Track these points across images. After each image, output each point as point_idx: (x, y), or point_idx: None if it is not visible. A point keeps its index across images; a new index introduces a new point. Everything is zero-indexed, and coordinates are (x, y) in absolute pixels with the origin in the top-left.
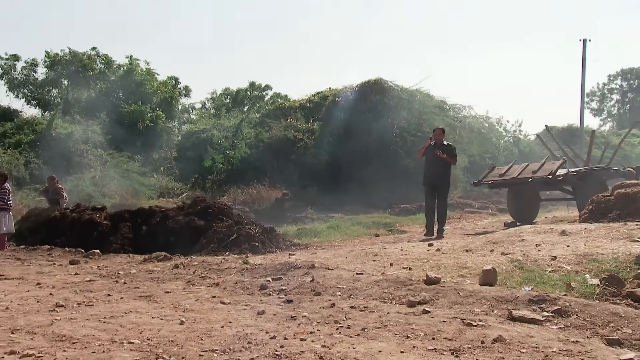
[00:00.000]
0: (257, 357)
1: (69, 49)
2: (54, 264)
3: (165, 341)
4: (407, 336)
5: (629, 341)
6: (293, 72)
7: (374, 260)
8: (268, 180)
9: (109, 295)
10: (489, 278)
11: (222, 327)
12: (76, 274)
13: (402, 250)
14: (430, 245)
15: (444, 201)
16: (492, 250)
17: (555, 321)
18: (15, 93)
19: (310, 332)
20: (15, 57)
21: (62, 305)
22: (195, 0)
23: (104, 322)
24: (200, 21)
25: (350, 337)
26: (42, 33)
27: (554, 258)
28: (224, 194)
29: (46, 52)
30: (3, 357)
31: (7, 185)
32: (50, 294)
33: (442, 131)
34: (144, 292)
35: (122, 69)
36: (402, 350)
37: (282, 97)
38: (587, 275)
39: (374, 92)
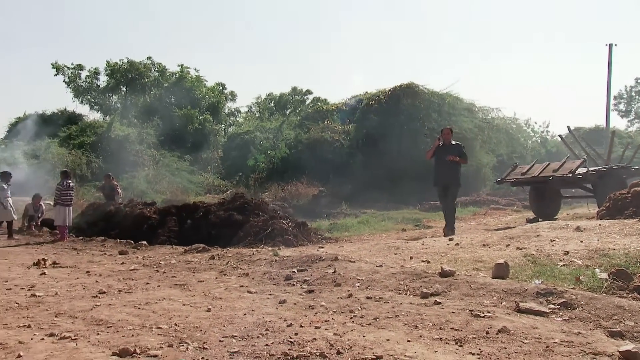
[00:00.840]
0: (272, 343)
1: (127, 58)
2: (105, 254)
3: (190, 327)
4: (416, 326)
5: (631, 333)
6: (333, 77)
7: (395, 254)
8: (306, 178)
9: (147, 283)
10: (501, 271)
11: (245, 314)
12: (122, 263)
13: (423, 244)
14: (450, 240)
15: (453, 200)
16: (508, 245)
17: (561, 313)
18: (80, 99)
19: (325, 321)
20: (80, 67)
21: (105, 292)
22: (243, 12)
23: (139, 308)
24: (246, 30)
25: (362, 326)
26: (104, 44)
27: (567, 253)
28: (265, 191)
29: (107, 61)
30: (43, 339)
31: (69, 181)
32: (96, 281)
33: (450, 131)
34: (179, 281)
35: (174, 76)
36: (409, 339)
37: (322, 101)
38: (597, 269)
39: (405, 95)
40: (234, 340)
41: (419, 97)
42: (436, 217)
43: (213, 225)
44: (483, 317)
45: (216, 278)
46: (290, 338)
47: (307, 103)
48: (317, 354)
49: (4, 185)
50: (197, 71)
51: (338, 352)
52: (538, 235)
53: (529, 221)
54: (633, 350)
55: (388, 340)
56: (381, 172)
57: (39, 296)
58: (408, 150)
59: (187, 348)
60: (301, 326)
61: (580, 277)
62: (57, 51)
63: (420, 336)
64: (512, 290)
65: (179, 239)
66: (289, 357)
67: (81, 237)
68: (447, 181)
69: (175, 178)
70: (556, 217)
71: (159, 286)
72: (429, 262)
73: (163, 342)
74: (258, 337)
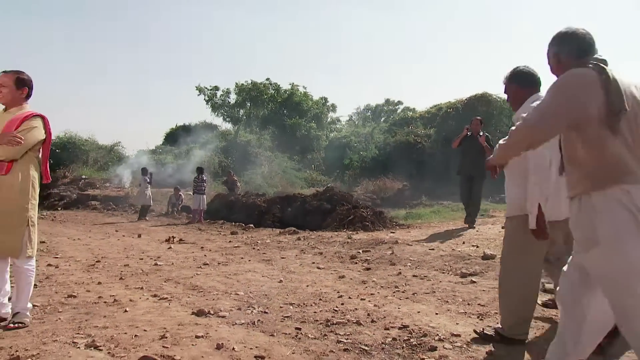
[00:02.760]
0: (320, 311)
1: (251, 80)
2: (220, 234)
3: (261, 294)
4: (447, 301)
5: None
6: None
7: (450, 239)
8: (392, 174)
9: (242, 258)
10: None
11: (307, 286)
12: (230, 241)
13: (477, 231)
14: (503, 227)
15: (479, 191)
16: None
17: None
18: (216, 113)
19: (371, 294)
20: (216, 88)
21: (207, 264)
22: (341, 37)
23: (228, 278)
24: (345, 51)
25: (400, 299)
26: (233, 69)
27: None
28: (357, 185)
29: (236, 83)
30: (148, 298)
31: (203, 175)
32: (205, 255)
33: (480, 122)
34: (267, 257)
35: (286, 93)
36: (436, 312)
37: (411, 110)
38: None
39: (480, 103)
40: (291, 307)
41: (491, 104)
42: (502, 208)
43: (307, 212)
44: None
45: (296, 255)
46: (337, 307)
47: (398, 112)
48: (354, 321)
49: (146, 178)
50: (305, 88)
51: (372, 321)
52: None
53: None
54: None
55: (419, 312)
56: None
57: (159, 265)
58: (482, 150)
59: (251, 312)
60: (349, 297)
61: None
62: (199, 76)
63: (448, 310)
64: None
65: (280, 223)
66: (330, 323)
67: (207, 220)
68: (472, 171)
69: (285, 175)
70: None
71: (249, 260)
72: (477, 246)
73: (234, 306)
74: (311, 305)
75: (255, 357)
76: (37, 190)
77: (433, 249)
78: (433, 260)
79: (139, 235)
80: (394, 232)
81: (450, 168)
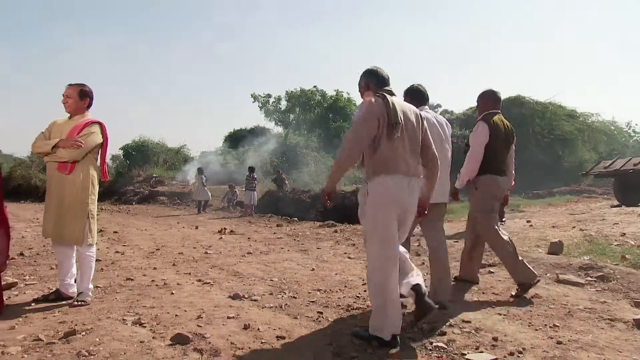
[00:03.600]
0: (344, 297)
1: (300, 88)
2: (267, 226)
3: (293, 281)
4: (463, 290)
5: None
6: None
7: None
8: None
9: (282, 248)
10: (555, 248)
11: (336, 274)
12: (274, 233)
13: (503, 225)
14: (528, 221)
15: None
16: (573, 227)
17: (595, 285)
18: (269, 118)
19: None
20: (269, 95)
21: (250, 253)
22: (382, 44)
23: (266, 266)
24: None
25: None
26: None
27: (623, 234)
28: None
29: (286, 91)
30: (193, 283)
31: (254, 174)
32: (250, 245)
33: None
34: (304, 248)
35: (331, 98)
36: (451, 300)
37: (449, 112)
38: None
39: (513, 105)
40: (317, 293)
41: (525, 106)
42: (532, 204)
43: (346, 207)
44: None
45: (331, 247)
46: (359, 294)
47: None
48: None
49: (202, 177)
50: (349, 94)
51: None
52: (603, 219)
53: (613, 207)
54: None
55: None
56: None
57: (209, 253)
58: (516, 149)
59: (281, 296)
60: None
61: (627, 255)
62: (254, 85)
63: (463, 298)
64: (558, 264)
65: (322, 217)
66: (350, 308)
67: (258, 214)
68: None
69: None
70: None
71: (288, 250)
72: None
73: (267, 291)
74: (336, 291)
75: (276, 337)
76: (96, 187)
77: (457, 242)
78: (456, 252)
79: (196, 227)
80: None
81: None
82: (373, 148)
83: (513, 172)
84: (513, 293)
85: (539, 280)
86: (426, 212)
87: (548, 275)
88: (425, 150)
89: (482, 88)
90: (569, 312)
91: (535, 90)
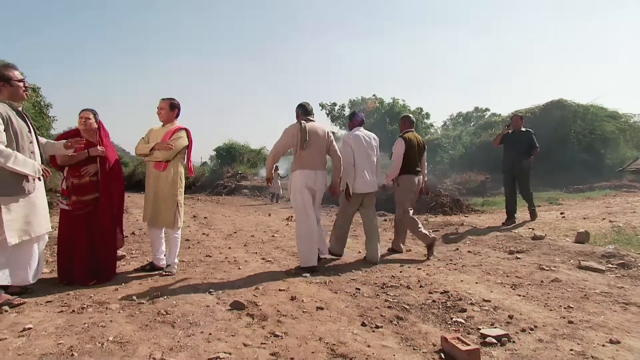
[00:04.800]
0: (381, 276)
1: (361, 96)
2: (327, 214)
3: (339, 261)
4: (489, 273)
5: None
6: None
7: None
8: (476, 168)
9: None
10: (581, 237)
11: (379, 256)
12: (332, 221)
13: (538, 216)
14: (561, 213)
15: (527, 186)
16: (603, 219)
17: (616, 271)
18: (334, 123)
19: (427, 265)
20: (334, 104)
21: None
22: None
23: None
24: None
25: (450, 270)
26: (347, 88)
27: None
28: (447, 178)
29: (349, 99)
30: (257, 260)
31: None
32: None
33: (520, 118)
34: (355, 233)
35: (388, 105)
36: (476, 282)
37: (497, 115)
38: None
39: (555, 108)
40: (359, 272)
41: (566, 109)
42: (572, 197)
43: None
44: (547, 270)
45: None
46: (395, 274)
47: (485, 117)
48: (405, 285)
49: (278, 173)
50: (404, 101)
51: (420, 286)
52: (634, 212)
53: None
54: None
55: (461, 281)
56: (536, 164)
57: (275, 237)
58: (559, 147)
59: (328, 274)
60: (409, 267)
61: None
62: (321, 95)
63: (487, 280)
64: (582, 252)
65: (377, 207)
66: (385, 286)
67: (322, 205)
68: (514, 169)
69: (385, 169)
70: None
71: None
72: (533, 229)
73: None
74: (376, 271)
75: (316, 307)
76: (183, 181)
77: (492, 230)
78: (489, 239)
79: (269, 215)
80: (467, 217)
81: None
82: (295, 153)
83: (425, 172)
84: (425, 253)
85: (435, 239)
86: (336, 192)
87: (571, 261)
88: (332, 153)
89: (528, 93)
90: (585, 295)
91: (582, 93)
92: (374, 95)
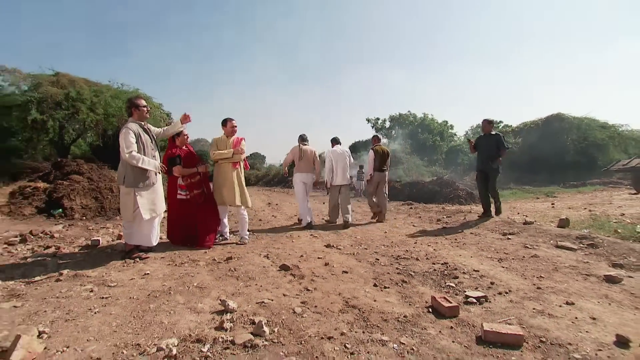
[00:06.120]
0: (397, 250)
1: (399, 113)
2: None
3: (369, 239)
4: (483, 250)
5: (629, 266)
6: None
7: (510, 211)
8: None
9: (371, 219)
10: (562, 223)
11: (399, 236)
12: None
13: (533, 206)
14: (552, 204)
15: (494, 184)
16: (585, 208)
17: (585, 250)
18: (379, 133)
19: (435, 243)
20: (377, 119)
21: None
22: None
23: (355, 228)
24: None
25: (452, 247)
26: (389, 105)
27: (623, 214)
28: (466, 175)
29: (389, 115)
30: (307, 236)
31: (362, 170)
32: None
33: (488, 122)
34: (380, 227)
35: (420, 119)
36: (471, 256)
37: (509, 126)
38: (639, 226)
39: (555, 120)
40: (382, 247)
41: (564, 121)
42: (567, 192)
43: (424, 192)
44: (529, 248)
45: (403, 218)
46: (407, 249)
47: (499, 128)
48: (415, 258)
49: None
50: (432, 115)
51: (427, 258)
52: (611, 203)
53: (632, 195)
54: (613, 275)
55: (460, 255)
56: (539, 166)
57: (323, 219)
58: (557, 152)
59: (357, 248)
60: (421, 244)
61: (619, 230)
62: (368, 110)
63: (480, 255)
64: (561, 235)
65: (408, 198)
66: (399, 258)
67: (364, 196)
68: (486, 168)
69: (417, 169)
70: None
71: (371, 222)
72: (526, 216)
73: (350, 243)
74: (394, 247)
75: (343, 271)
76: (243, 174)
77: (493, 216)
78: (489, 224)
79: (323, 203)
80: (477, 206)
81: (533, 165)
82: (295, 164)
83: (388, 169)
84: (374, 220)
85: (380, 211)
86: (317, 185)
87: (551, 242)
88: (316, 164)
89: (538, 107)
90: (556, 268)
91: (577, 106)
92: (408, 111)
